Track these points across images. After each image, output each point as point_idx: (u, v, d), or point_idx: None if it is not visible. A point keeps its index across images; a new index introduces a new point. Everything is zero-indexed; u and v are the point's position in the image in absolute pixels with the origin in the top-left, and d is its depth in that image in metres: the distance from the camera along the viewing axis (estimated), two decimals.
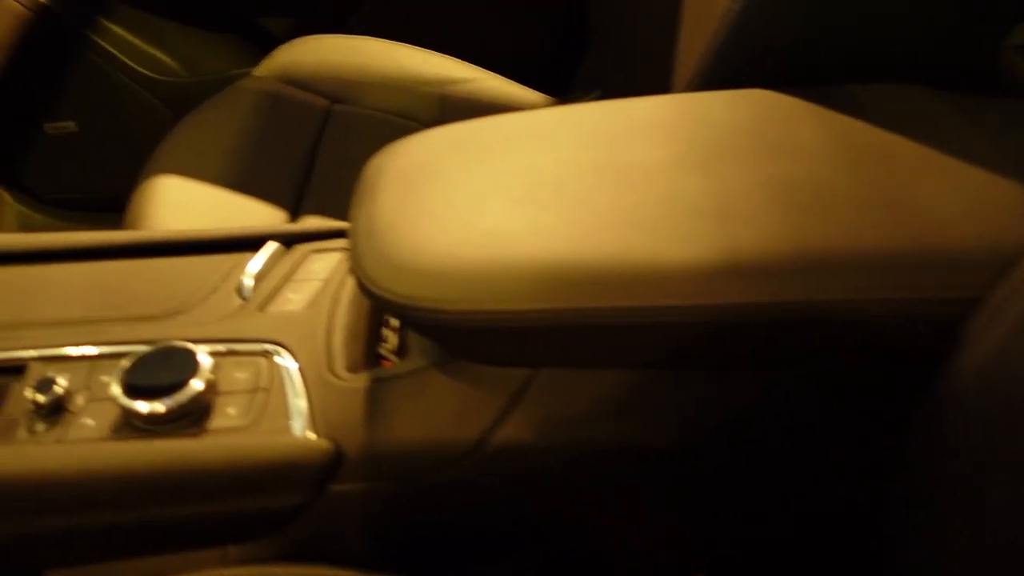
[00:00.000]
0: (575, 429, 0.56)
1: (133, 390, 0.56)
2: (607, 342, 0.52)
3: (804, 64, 0.64)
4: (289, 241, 0.72)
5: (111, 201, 1.20)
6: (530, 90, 1.29)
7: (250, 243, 0.72)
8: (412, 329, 0.53)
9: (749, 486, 0.60)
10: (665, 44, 0.85)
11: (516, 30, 1.47)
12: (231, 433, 0.55)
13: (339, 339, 0.61)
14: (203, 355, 0.58)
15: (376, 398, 0.56)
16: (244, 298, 0.66)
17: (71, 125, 1.48)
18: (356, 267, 0.53)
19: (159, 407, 0.55)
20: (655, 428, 0.56)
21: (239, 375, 0.59)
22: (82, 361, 0.61)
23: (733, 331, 0.50)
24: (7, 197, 1.50)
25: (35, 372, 0.60)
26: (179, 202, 0.99)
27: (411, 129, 1.34)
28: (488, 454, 0.55)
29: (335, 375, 0.58)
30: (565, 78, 1.44)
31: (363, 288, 0.52)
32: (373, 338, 0.64)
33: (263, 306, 0.65)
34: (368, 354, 0.62)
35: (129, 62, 1.43)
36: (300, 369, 0.59)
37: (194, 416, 0.56)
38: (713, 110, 0.61)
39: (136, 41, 1.43)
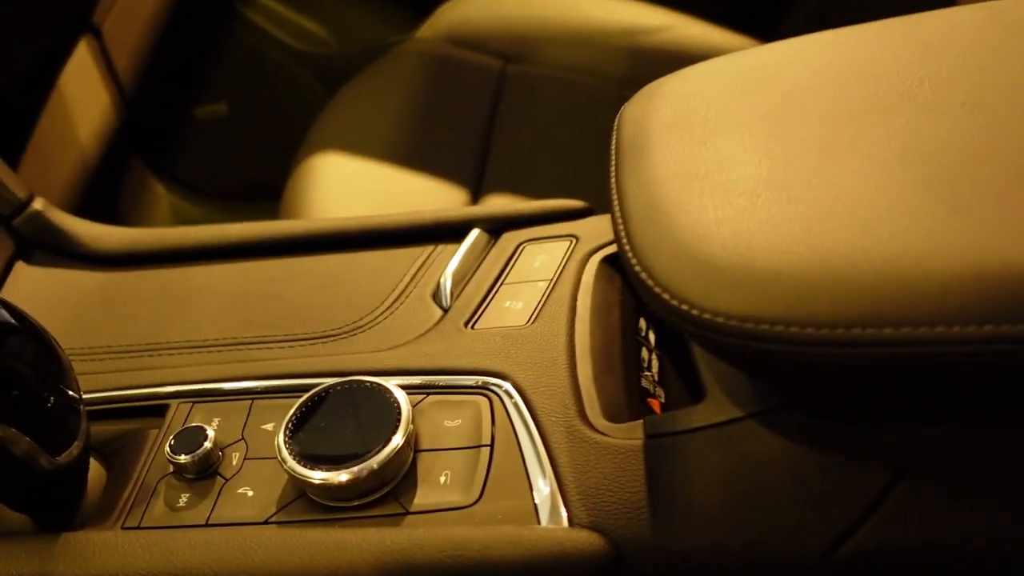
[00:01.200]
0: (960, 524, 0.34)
1: (304, 452, 0.39)
2: None
3: None
4: (495, 228, 0.54)
5: (268, 187, 1.07)
6: (738, 35, 1.07)
7: (443, 231, 0.54)
8: (726, 360, 0.34)
9: None
10: None
11: None
12: (446, 520, 0.37)
13: (586, 368, 0.42)
14: (399, 394, 0.40)
15: (660, 466, 0.37)
16: (444, 307, 0.48)
17: (222, 108, 1.37)
18: (641, 265, 0.34)
19: (340, 476, 0.38)
20: None
21: (448, 423, 0.41)
22: (237, 401, 0.44)
23: None
24: (160, 189, 1.42)
25: (178, 415, 0.44)
26: (341, 184, 0.83)
27: (599, 89, 1.15)
28: (839, 568, 0.34)
29: (590, 426, 0.39)
30: (775, 20, 1.21)
31: (655, 299, 0.33)
32: (631, 365, 0.44)
33: (471, 319, 0.47)
34: (630, 390, 0.43)
35: (278, 34, 1.30)
36: (536, 415, 0.40)
37: (389, 487, 0.39)
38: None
39: (284, 11, 1.31)
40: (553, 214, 0.54)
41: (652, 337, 0.48)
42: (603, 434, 0.39)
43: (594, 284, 0.47)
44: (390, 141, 0.89)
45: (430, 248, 0.54)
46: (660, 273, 0.33)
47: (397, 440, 0.38)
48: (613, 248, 0.50)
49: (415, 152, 0.88)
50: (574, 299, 0.46)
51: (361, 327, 0.48)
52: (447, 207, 0.82)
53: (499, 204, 0.55)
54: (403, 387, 0.42)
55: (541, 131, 0.96)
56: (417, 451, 0.40)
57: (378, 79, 1.02)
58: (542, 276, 0.49)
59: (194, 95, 1.37)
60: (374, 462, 0.38)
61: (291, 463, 0.38)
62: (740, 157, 0.36)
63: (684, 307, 0.32)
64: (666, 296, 0.32)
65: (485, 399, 0.42)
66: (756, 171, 0.35)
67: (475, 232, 0.53)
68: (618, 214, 0.37)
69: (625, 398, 0.42)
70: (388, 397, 0.40)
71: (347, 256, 0.55)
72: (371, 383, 0.41)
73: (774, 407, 0.36)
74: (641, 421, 0.39)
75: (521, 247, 0.52)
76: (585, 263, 0.49)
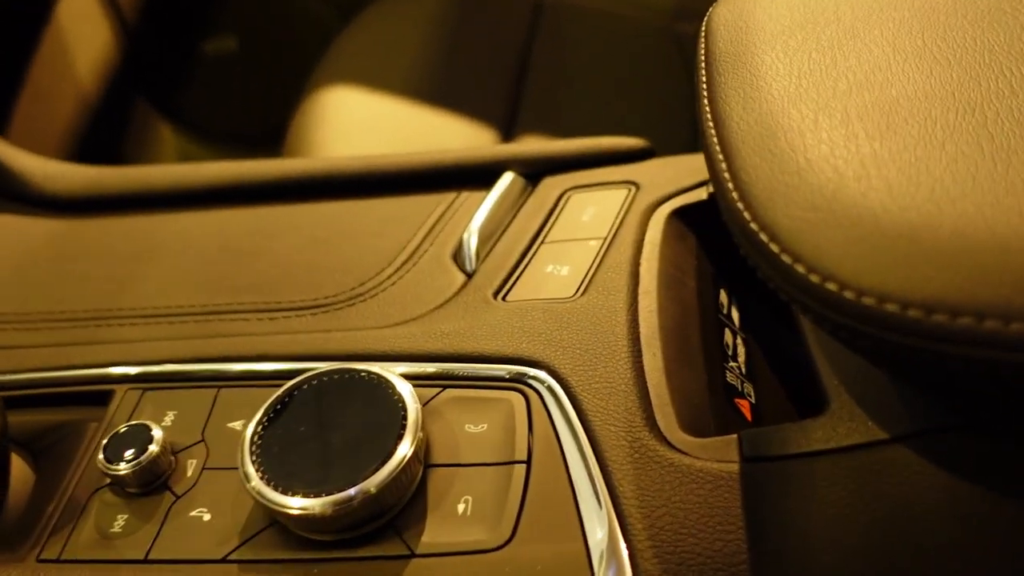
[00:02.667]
0: None
1: (276, 467, 0.28)
2: None
3: None
4: (534, 171, 0.43)
5: (285, 129, 0.98)
6: None
7: (468, 174, 0.44)
8: (885, 365, 0.23)
9: None
10: None
11: None
12: (465, 568, 0.27)
13: (656, 357, 0.31)
14: (404, 387, 0.30)
15: (766, 504, 0.26)
16: (468, 272, 0.38)
17: (231, 43, 1.27)
18: (756, 219, 0.23)
19: (324, 504, 0.27)
20: None
21: (471, 429, 0.31)
22: (199, 388, 0.34)
23: None
24: (166, 131, 1.32)
25: (124, 405, 0.34)
26: (351, 121, 0.72)
27: (643, 23, 1.04)
28: None
29: (663, 439, 0.29)
30: None
31: (779, 271, 0.22)
32: (714, 353, 0.34)
33: (502, 288, 0.36)
34: (714, 389, 0.32)
35: None
36: (588, 422, 0.30)
37: (389, 515, 0.29)
38: None
39: None
40: (606, 155, 0.43)
41: (736, 315, 0.37)
42: (682, 452, 0.28)
43: (662, 245, 0.36)
44: (409, 74, 0.78)
45: (451, 196, 0.43)
46: (788, 232, 0.22)
47: (402, 451, 0.28)
48: (684, 199, 0.39)
49: (438, 87, 0.76)
50: (636, 264, 0.35)
51: (361, 295, 0.37)
52: (473, 146, 0.71)
53: (538, 143, 0.44)
54: (411, 377, 0.32)
55: (581, 68, 0.84)
56: (428, 466, 0.30)
57: (398, 5, 0.90)
58: (594, 233, 0.38)
59: (201, 29, 1.27)
60: (370, 484, 0.28)
61: (257, 483, 0.28)
62: (898, 66, 0.25)
63: (830, 286, 0.21)
64: (799, 268, 0.22)
65: (520, 397, 0.31)
66: (927, 85, 0.24)
67: (508, 176, 0.42)
68: (716, 147, 0.26)
69: (708, 400, 0.31)
70: (390, 391, 0.30)
71: (349, 204, 0.44)
72: (368, 372, 0.31)
73: (937, 427, 0.25)
74: (735, 436, 0.28)
75: (566, 196, 0.41)
76: (649, 217, 0.38)
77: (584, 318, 0.33)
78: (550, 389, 0.31)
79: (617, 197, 0.40)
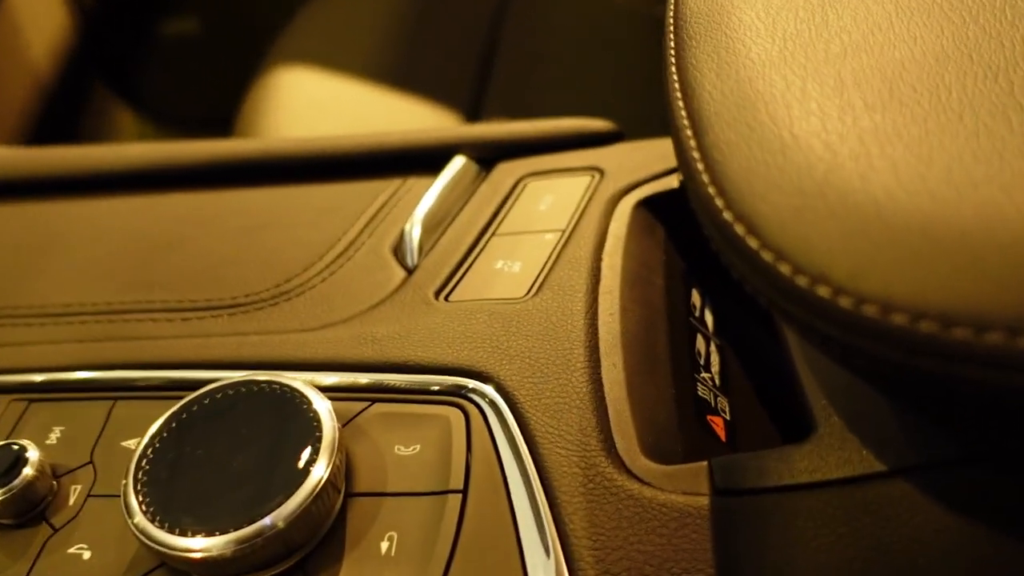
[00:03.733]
0: None
1: (163, 501, 0.24)
2: None
3: None
4: (487, 155, 0.38)
5: None
6: None
7: (415, 158, 0.39)
8: (884, 387, 0.19)
9: None
10: None
11: None
12: None
13: (616, 368, 0.27)
14: (320, 402, 0.26)
15: (743, 545, 0.22)
16: (408, 267, 0.33)
17: (192, 24, 1.22)
18: (730, 206, 0.19)
19: (220, 544, 0.23)
20: None
21: (401, 451, 0.26)
22: (92, 400, 0.30)
23: None
24: (126, 116, 1.26)
25: (6, 419, 0.30)
26: (304, 104, 0.67)
27: (620, 5, 0.99)
28: None
29: (623, 466, 0.24)
30: None
31: (759, 271, 0.18)
32: (683, 362, 0.30)
33: (446, 286, 0.32)
34: (682, 403, 0.28)
35: None
36: (536, 444, 0.25)
37: (299, 554, 0.24)
38: None
39: None
40: (569, 138, 0.38)
41: (709, 319, 0.33)
42: (643, 482, 0.24)
43: (627, 238, 0.32)
44: (369, 54, 0.73)
45: (397, 182, 0.38)
46: (770, 223, 0.18)
47: (316, 477, 0.24)
48: (653, 187, 0.35)
49: (398, 68, 0.72)
50: (597, 260, 0.31)
51: (286, 293, 0.33)
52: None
53: (494, 125, 0.40)
54: (335, 389, 0.28)
55: (553, 51, 0.79)
56: (349, 495, 0.25)
57: None
58: (551, 225, 0.34)
59: (161, 9, 1.22)
60: (277, 517, 0.23)
61: (141, 519, 0.24)
62: (902, 24, 0.21)
63: (821, 291, 0.17)
64: (783, 268, 0.17)
65: (459, 413, 0.27)
66: (938, 47, 0.20)
67: (459, 160, 0.38)
68: (684, 121, 0.21)
69: (676, 418, 0.27)
70: (304, 406, 0.26)
71: (284, 191, 0.40)
72: (278, 384, 0.26)
73: (945, 459, 0.21)
74: (705, 464, 0.24)
75: (522, 183, 0.37)
76: (614, 207, 0.34)
77: (535, 322, 0.29)
78: (493, 404, 0.27)
79: (579, 185, 0.36)
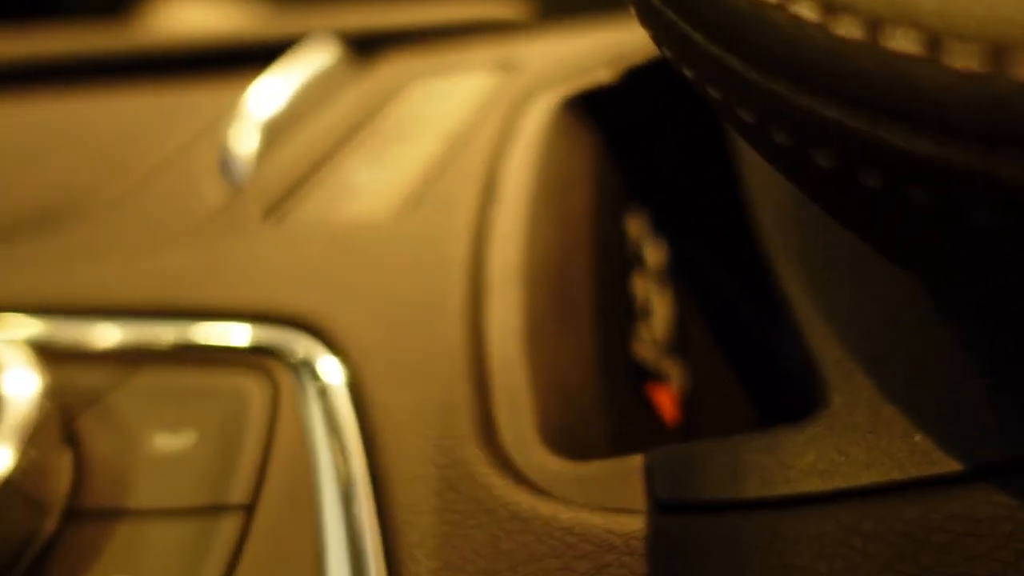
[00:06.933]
0: None
1: None
2: None
3: None
4: (360, 43, 0.29)
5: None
6: None
7: (276, 52, 0.30)
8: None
9: None
10: None
11: None
12: None
13: (512, 316, 0.18)
14: (17, 368, 0.16)
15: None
16: (235, 183, 0.24)
17: None
18: None
19: None
20: None
21: (167, 443, 0.17)
22: None
23: None
24: None
25: None
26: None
27: None
28: None
29: (508, 466, 0.15)
30: None
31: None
32: (613, 308, 0.20)
33: (281, 204, 0.22)
34: (612, 371, 0.19)
35: None
36: (378, 431, 0.16)
37: None
38: None
39: None
40: (470, 28, 0.29)
41: (653, 253, 0.23)
42: (540, 490, 0.15)
43: (541, 144, 0.23)
44: None
45: (247, 80, 0.29)
46: None
47: (5, 452, 0.14)
48: (578, 85, 0.25)
49: None
50: (495, 171, 0.21)
51: (62, 221, 0.23)
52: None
53: (377, 12, 0.31)
54: (74, 352, 0.18)
55: None
56: (71, 516, 0.16)
57: None
58: (439, 129, 0.24)
59: None
60: None
61: None
62: None
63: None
64: None
65: (266, 384, 0.17)
66: None
67: (326, 53, 0.28)
68: None
69: (597, 387, 0.18)
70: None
71: (106, 94, 0.30)
72: None
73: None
74: (639, 458, 0.15)
75: (407, 83, 0.27)
76: (525, 107, 0.24)
77: (399, 251, 0.19)
78: (313, 371, 0.17)
79: (481, 83, 0.26)
